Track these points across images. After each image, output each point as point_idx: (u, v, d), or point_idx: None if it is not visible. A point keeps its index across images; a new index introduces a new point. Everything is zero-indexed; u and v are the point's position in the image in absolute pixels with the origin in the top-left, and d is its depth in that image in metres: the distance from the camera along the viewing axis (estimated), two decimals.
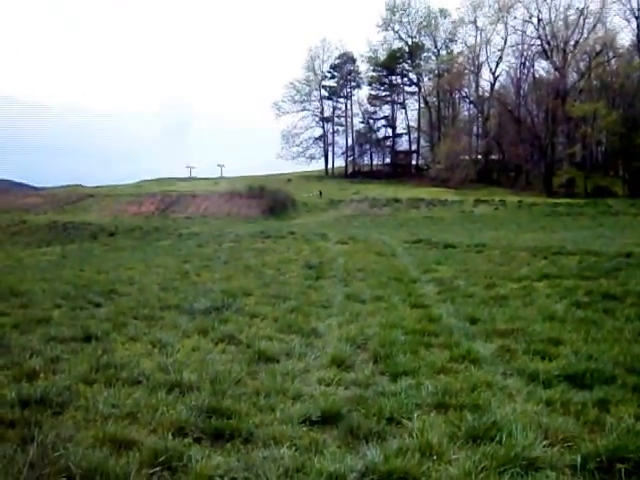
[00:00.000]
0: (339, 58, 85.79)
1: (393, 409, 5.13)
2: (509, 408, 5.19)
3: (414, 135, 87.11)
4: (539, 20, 71.30)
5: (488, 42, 76.68)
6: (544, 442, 4.43)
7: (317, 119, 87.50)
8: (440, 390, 5.62)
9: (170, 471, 4.14)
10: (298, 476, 3.95)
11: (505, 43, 75.08)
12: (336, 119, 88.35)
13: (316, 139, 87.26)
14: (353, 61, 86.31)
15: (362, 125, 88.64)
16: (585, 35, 69.79)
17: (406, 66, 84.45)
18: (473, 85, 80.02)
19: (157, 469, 4.12)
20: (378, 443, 4.56)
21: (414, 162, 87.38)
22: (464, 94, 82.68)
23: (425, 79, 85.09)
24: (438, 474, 4.09)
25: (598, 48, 68.71)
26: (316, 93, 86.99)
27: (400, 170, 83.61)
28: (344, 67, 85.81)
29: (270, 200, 60.47)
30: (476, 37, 77.58)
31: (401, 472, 4.04)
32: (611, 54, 70.80)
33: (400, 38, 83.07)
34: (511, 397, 5.60)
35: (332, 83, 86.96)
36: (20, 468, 3.96)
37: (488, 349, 7.28)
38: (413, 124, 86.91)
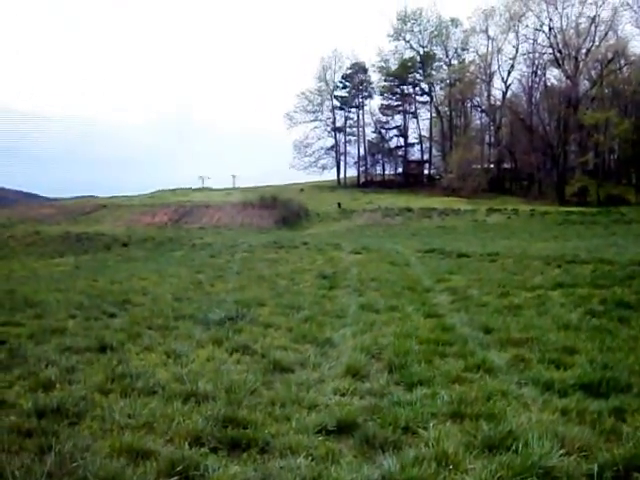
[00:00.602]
0: (351, 68, 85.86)
1: (409, 418, 5.14)
2: (525, 417, 5.19)
3: (426, 145, 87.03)
4: (550, 28, 71.13)
5: (499, 51, 76.56)
6: (560, 451, 4.43)
7: (329, 129, 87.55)
8: (455, 399, 5.63)
9: None
10: None
11: (516, 52, 74.97)
12: (348, 129, 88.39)
13: (328, 149, 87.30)
14: (365, 71, 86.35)
15: (374, 135, 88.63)
16: (597, 43, 69.50)
17: (418, 76, 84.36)
18: (485, 94, 79.86)
19: (174, 478, 4.15)
20: (394, 452, 4.57)
21: (426, 172, 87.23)
22: (476, 103, 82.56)
23: (437, 88, 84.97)
24: None
25: (610, 56, 68.42)
26: (328, 103, 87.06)
27: (412, 180, 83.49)
28: (356, 77, 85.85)
29: (283, 210, 60.51)
30: (487, 46, 77.40)
31: None
32: (623, 62, 70.45)
33: (411, 47, 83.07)
34: (526, 406, 5.59)
35: (344, 93, 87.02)
36: (38, 478, 4.00)
37: (503, 358, 7.28)
38: (425, 133, 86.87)
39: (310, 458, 4.45)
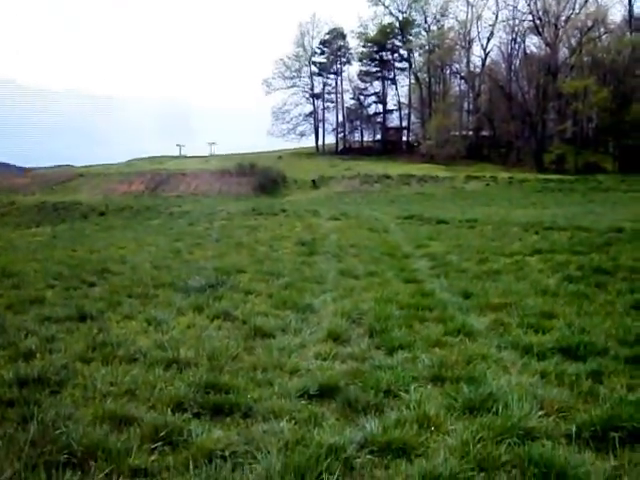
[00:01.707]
0: (329, 34, 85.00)
1: (390, 382, 5.19)
2: (504, 380, 5.27)
3: (405, 111, 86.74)
4: None
5: (479, 17, 76.17)
6: (540, 412, 4.51)
7: (307, 96, 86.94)
8: (436, 363, 5.70)
9: (171, 446, 4.18)
10: (298, 449, 3.98)
11: (496, 18, 74.62)
12: (326, 95, 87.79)
13: (306, 116, 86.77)
14: (343, 37, 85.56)
15: (352, 101, 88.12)
16: (577, 10, 69.42)
17: (396, 42, 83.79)
18: (464, 61, 79.56)
19: (158, 444, 4.16)
20: (376, 415, 4.62)
21: (405, 138, 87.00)
22: (455, 70, 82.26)
23: (416, 55, 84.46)
24: (436, 444, 4.15)
25: (589, 24, 68.31)
26: (306, 69, 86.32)
27: (391, 146, 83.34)
28: (334, 43, 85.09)
29: (261, 177, 60.25)
30: (467, 12, 76.94)
31: (399, 443, 4.11)
32: (602, 30, 70.44)
33: (390, 13, 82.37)
34: (506, 369, 5.67)
35: (322, 59, 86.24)
36: (21, 446, 3.98)
37: (482, 323, 7.37)
38: (404, 100, 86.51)
39: (293, 422, 4.48)
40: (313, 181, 37.98)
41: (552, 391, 5.01)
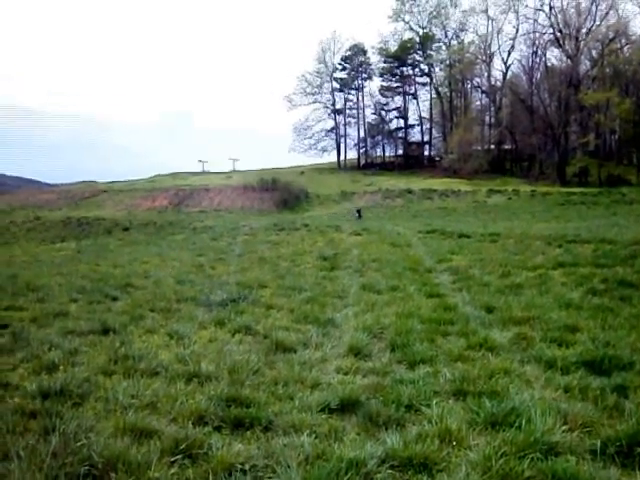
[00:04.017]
0: (350, 50, 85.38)
1: (411, 396, 5.17)
2: (527, 394, 5.21)
3: (426, 126, 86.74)
4: (551, 8, 70.61)
5: (499, 31, 76.08)
6: (563, 427, 4.46)
7: (329, 111, 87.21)
8: (458, 377, 5.65)
9: (191, 459, 4.19)
10: (318, 463, 3.98)
11: (517, 32, 74.43)
12: (348, 111, 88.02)
13: (328, 131, 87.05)
14: (364, 52, 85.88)
15: (374, 116, 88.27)
16: (597, 22, 68.97)
17: (417, 57, 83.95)
18: (485, 75, 79.44)
19: (178, 457, 4.17)
20: (397, 430, 4.59)
21: (426, 153, 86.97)
22: (476, 84, 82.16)
23: (436, 69, 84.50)
24: (458, 459, 4.12)
25: (611, 35, 67.94)
26: (327, 85, 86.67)
27: (412, 161, 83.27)
28: (355, 58, 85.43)
29: (283, 193, 60.45)
30: (487, 26, 76.87)
31: (421, 457, 4.08)
32: (624, 41, 69.97)
33: (411, 29, 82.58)
34: (529, 384, 5.62)
35: (343, 75, 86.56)
36: (43, 458, 4.00)
37: (505, 337, 7.31)
38: (425, 115, 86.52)
39: (314, 436, 4.47)
40: (358, 211, 37.33)
41: (576, 406, 4.94)
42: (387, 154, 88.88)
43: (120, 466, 3.98)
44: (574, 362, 6.11)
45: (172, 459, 4.14)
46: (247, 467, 4.04)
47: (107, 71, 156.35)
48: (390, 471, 3.98)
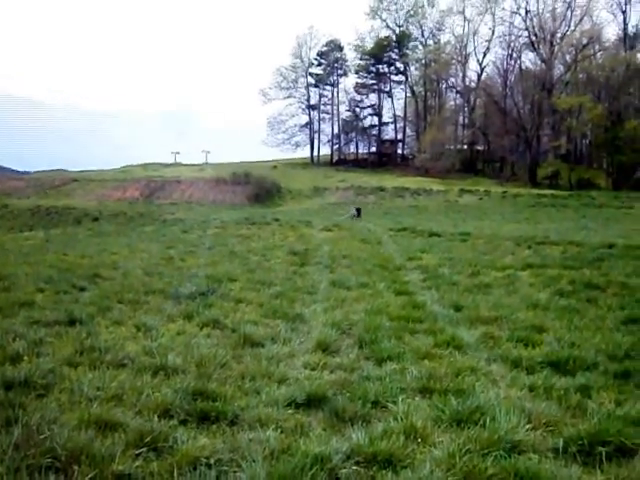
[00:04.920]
0: (326, 45, 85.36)
1: (378, 393, 5.19)
2: (493, 393, 5.27)
3: (400, 124, 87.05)
4: (527, 12, 71.21)
5: (476, 32, 76.59)
6: (527, 426, 4.51)
7: (303, 106, 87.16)
8: (424, 375, 5.70)
9: (156, 452, 4.16)
10: (284, 457, 3.97)
11: (493, 34, 75.02)
12: (322, 107, 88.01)
13: (302, 126, 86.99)
14: (340, 49, 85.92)
15: (348, 113, 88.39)
16: (572, 28, 69.79)
17: (393, 55, 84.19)
18: (460, 75, 79.92)
19: (143, 450, 4.14)
20: (363, 426, 4.61)
21: (400, 151, 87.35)
22: (451, 84, 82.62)
23: (412, 68, 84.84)
24: (422, 456, 4.14)
25: (585, 41, 68.74)
26: (302, 80, 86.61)
27: (385, 159, 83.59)
28: (331, 54, 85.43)
29: (255, 187, 60.36)
30: (464, 27, 77.41)
31: (386, 454, 4.10)
32: (597, 47, 70.90)
33: (387, 27, 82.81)
34: (495, 382, 5.68)
35: (319, 70, 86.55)
36: (5, 449, 3.95)
37: (472, 336, 7.37)
38: (399, 113, 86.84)
39: (279, 430, 4.47)
40: (358, 210, 35.40)
41: (540, 405, 5.00)
42: (360, 151, 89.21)
43: (83, 458, 3.94)
44: (540, 362, 6.19)
45: (137, 452, 4.11)
46: (212, 461, 4.02)
47: (76, 58, 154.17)
48: (355, 467, 3.99)
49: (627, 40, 69.17)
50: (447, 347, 6.79)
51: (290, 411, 4.89)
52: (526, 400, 5.15)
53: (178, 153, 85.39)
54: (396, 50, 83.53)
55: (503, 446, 4.17)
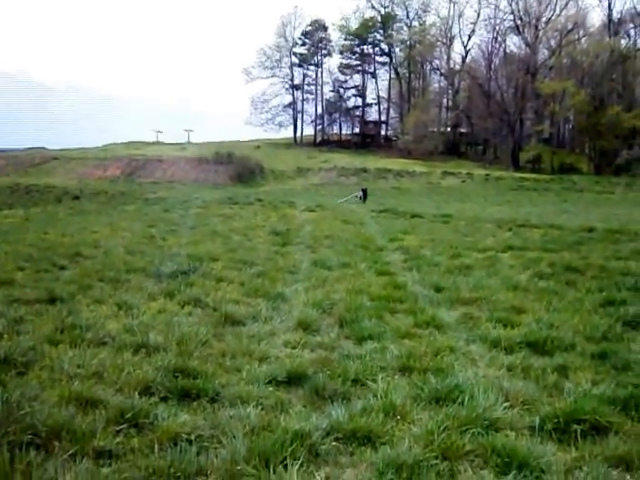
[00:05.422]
0: (311, 25, 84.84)
1: (358, 371, 5.23)
2: (471, 372, 5.33)
3: (384, 105, 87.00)
4: None
5: (461, 15, 76.65)
6: (505, 404, 4.57)
7: (287, 86, 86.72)
8: (404, 354, 5.74)
9: (137, 428, 4.18)
10: (264, 434, 4.00)
11: (478, 16, 75.06)
12: (306, 87, 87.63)
13: (285, 106, 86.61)
14: (325, 29, 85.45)
15: (332, 94, 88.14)
16: (557, 12, 70.04)
17: (378, 36, 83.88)
18: (444, 57, 79.98)
19: (123, 426, 4.16)
20: (343, 403, 4.65)
21: (383, 132, 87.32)
22: (435, 66, 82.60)
23: (396, 49, 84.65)
24: (401, 433, 4.19)
25: (569, 26, 68.96)
26: (286, 60, 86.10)
27: (369, 140, 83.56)
28: (315, 34, 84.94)
29: (238, 167, 60.14)
30: (449, 9, 77.45)
31: (365, 431, 4.14)
32: (582, 33, 71.18)
33: (373, 7, 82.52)
34: (474, 362, 5.73)
35: (303, 50, 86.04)
36: None
37: (452, 316, 7.43)
38: (383, 94, 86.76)
39: (260, 408, 4.50)
40: (364, 191, 32.70)
41: (518, 384, 5.07)
42: (344, 132, 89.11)
43: (64, 435, 3.95)
44: (518, 342, 6.25)
45: (117, 428, 4.13)
46: (193, 437, 4.04)
47: (53, 34, 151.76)
48: (335, 443, 4.04)
49: (611, 26, 69.48)
50: (427, 327, 6.83)
51: (271, 389, 4.92)
52: (504, 379, 5.20)
53: (161, 132, 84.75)
54: (381, 31, 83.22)
55: (481, 423, 4.23)
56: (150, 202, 32.33)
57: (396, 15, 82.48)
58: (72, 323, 6.53)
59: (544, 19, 70.49)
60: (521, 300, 8.22)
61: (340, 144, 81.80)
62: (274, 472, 3.61)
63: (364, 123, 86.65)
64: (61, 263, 10.76)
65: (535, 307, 7.84)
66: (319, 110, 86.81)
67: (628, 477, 3.76)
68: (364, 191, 33.93)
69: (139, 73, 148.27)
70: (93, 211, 28.33)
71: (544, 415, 4.43)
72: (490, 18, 74.56)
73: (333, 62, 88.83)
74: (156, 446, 3.91)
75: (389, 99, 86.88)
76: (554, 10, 69.91)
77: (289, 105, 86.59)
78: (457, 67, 78.64)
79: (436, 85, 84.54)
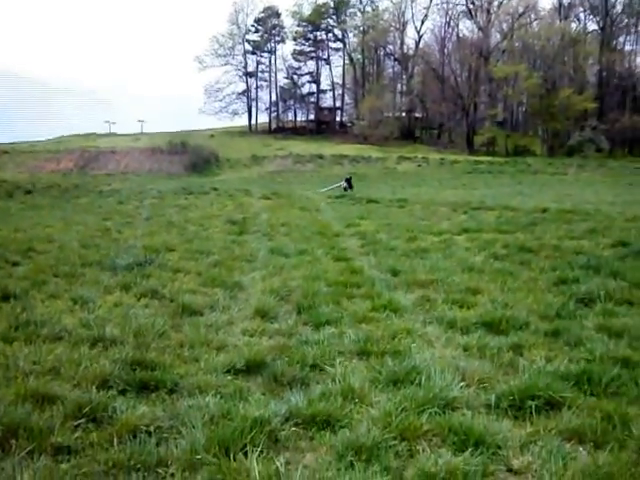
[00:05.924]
0: (263, 12, 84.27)
1: (316, 357, 5.27)
2: (428, 353, 5.40)
3: (338, 92, 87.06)
4: None
5: (414, 0, 76.88)
6: (461, 384, 4.65)
7: (240, 74, 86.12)
8: (362, 338, 5.78)
9: (95, 422, 4.14)
10: (223, 422, 4.01)
11: (431, 1, 75.51)
12: (260, 74, 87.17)
13: (239, 94, 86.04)
14: (278, 15, 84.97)
15: (286, 81, 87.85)
16: None
17: (331, 22, 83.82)
18: (398, 43, 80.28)
19: (82, 421, 4.12)
20: (302, 389, 4.68)
21: (338, 119, 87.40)
22: (389, 51, 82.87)
23: (350, 35, 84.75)
24: (360, 416, 4.23)
25: (521, 10, 69.86)
26: (240, 47, 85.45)
27: (324, 126, 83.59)
28: (268, 21, 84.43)
29: (193, 156, 59.59)
30: None
31: (324, 415, 4.17)
32: (533, 16, 72.16)
33: None
34: (430, 343, 5.81)
35: (256, 37, 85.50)
36: None
37: (409, 299, 7.50)
38: (337, 80, 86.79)
39: (219, 396, 4.49)
40: (348, 180, 30.58)
41: (474, 363, 5.16)
42: (299, 119, 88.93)
43: (21, 432, 3.90)
44: (474, 323, 6.35)
45: (76, 423, 4.08)
46: (152, 428, 4.03)
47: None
48: (294, 428, 4.06)
49: (562, 10, 70.58)
50: (384, 311, 6.88)
51: (229, 377, 4.92)
52: (460, 359, 5.29)
53: (114, 123, 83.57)
54: (334, 17, 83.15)
55: (438, 403, 4.29)
56: (104, 194, 31.82)
57: (349, 1, 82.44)
58: (27, 320, 6.42)
59: (496, 3, 71.38)
60: (476, 281, 8.34)
61: (295, 131, 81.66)
62: (234, 460, 3.61)
63: (319, 109, 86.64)
64: (14, 259, 10.54)
65: (490, 288, 7.96)
66: (273, 97, 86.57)
67: (581, 449, 3.85)
68: (348, 180, 31.27)
69: (91, 64, 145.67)
70: (46, 205, 27.78)
71: (500, 393, 4.52)
72: (443, 3, 75.30)
73: (287, 49, 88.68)
74: (115, 439, 3.88)
75: (343, 85, 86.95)
76: None
77: (243, 93, 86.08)
78: (411, 52, 79.02)
79: (390, 70, 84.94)
